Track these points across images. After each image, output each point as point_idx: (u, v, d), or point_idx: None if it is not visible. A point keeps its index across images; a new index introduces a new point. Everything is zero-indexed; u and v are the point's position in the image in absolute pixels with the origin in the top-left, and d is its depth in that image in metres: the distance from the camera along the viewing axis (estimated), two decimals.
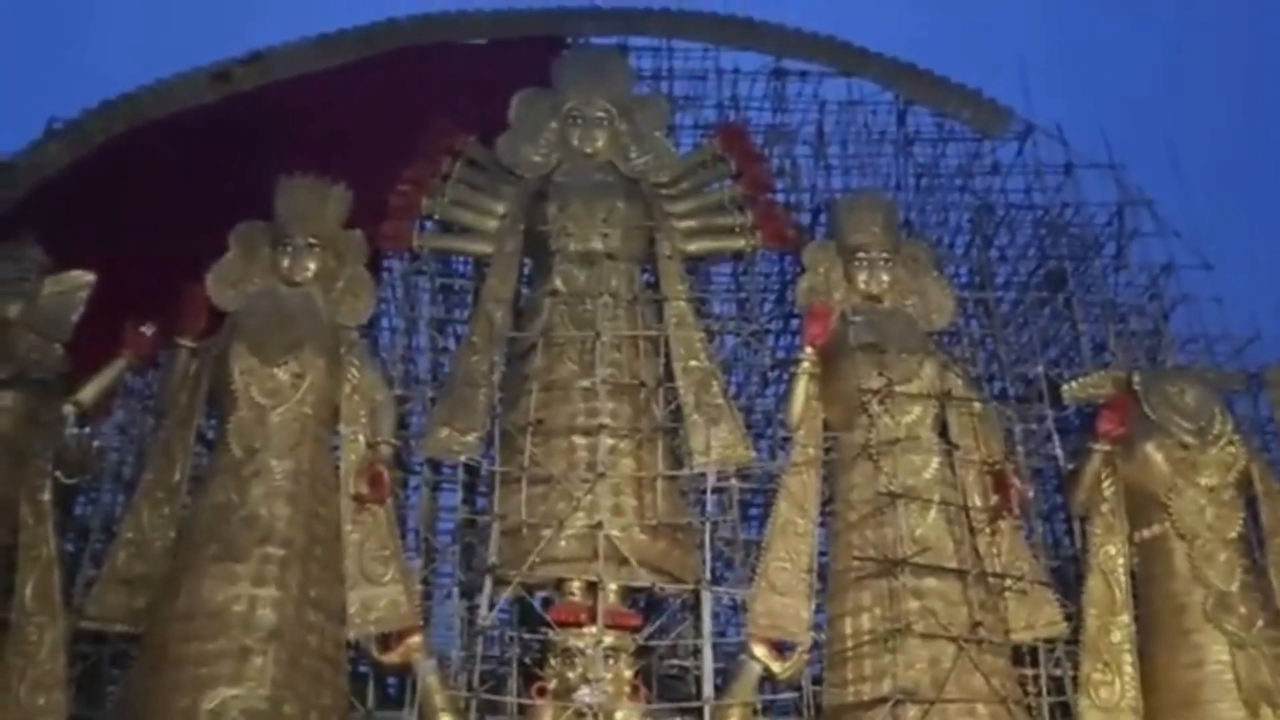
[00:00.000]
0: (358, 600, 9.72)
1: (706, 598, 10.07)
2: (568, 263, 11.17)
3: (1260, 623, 10.24)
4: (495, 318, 10.96)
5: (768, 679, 10.04)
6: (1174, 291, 12.96)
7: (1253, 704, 9.83)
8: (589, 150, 12.09)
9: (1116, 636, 10.41)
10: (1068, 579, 11.19)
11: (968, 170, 14.13)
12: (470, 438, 10.56)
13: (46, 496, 9.57)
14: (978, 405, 11.08)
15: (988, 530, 10.38)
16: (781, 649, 10.04)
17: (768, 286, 13.28)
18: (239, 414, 9.93)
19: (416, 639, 9.82)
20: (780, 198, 12.89)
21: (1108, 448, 10.89)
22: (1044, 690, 10.29)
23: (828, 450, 10.86)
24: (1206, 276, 12.91)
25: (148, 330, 10.37)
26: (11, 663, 9.14)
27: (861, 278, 11.38)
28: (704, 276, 12.58)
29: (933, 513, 10.22)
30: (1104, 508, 10.93)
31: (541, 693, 9.66)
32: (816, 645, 10.17)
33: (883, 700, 9.46)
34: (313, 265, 10.70)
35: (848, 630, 10.03)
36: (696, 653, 10.01)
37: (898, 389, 10.56)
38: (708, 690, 9.68)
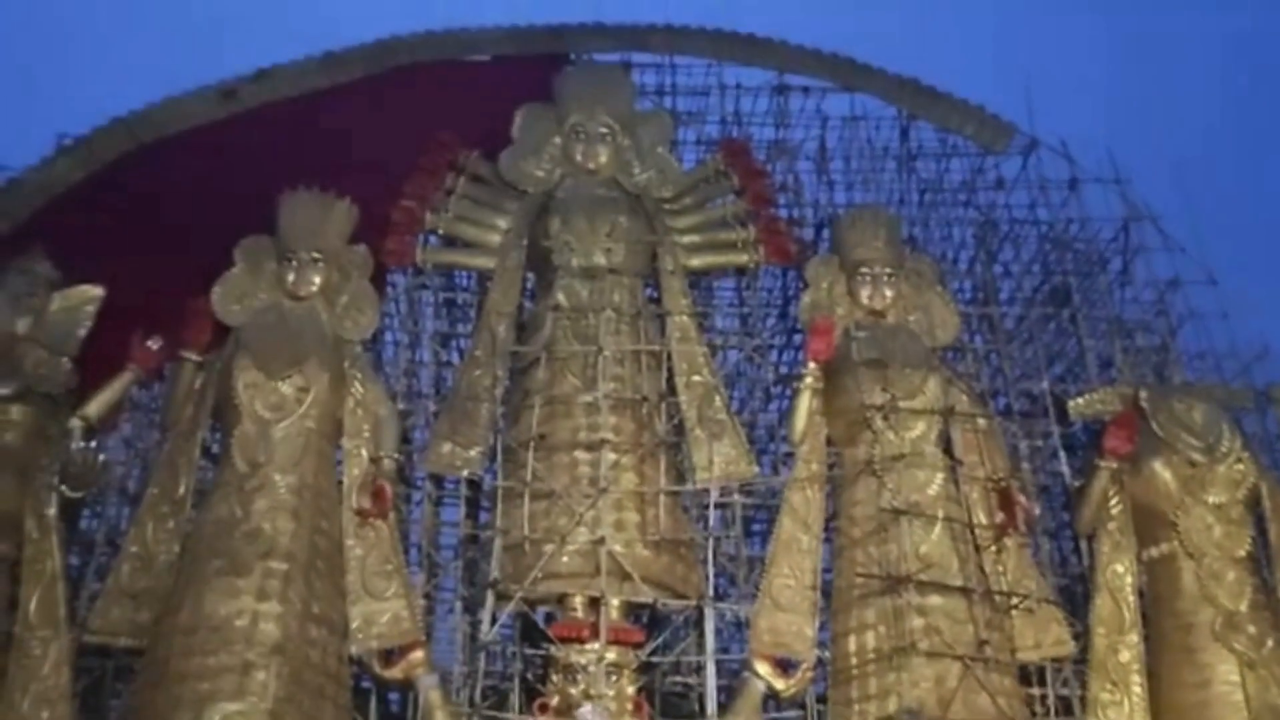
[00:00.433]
0: (360, 615, 9.72)
1: (709, 614, 10.03)
2: (570, 277, 11.20)
3: (1270, 642, 10.16)
4: (498, 332, 10.98)
5: (771, 697, 9.99)
6: (1180, 307, 12.91)
7: None
8: (592, 166, 12.12)
9: (1125, 656, 10.33)
10: (1075, 597, 11.11)
11: (971, 185, 14.10)
12: (473, 452, 10.57)
13: (52, 510, 9.58)
14: (982, 421, 11.03)
15: (993, 548, 10.31)
16: (785, 666, 9.99)
17: (770, 302, 13.28)
18: (243, 428, 9.95)
19: (419, 654, 9.80)
20: (783, 213, 12.89)
21: (1115, 465, 10.83)
22: (1051, 710, 10.21)
23: (831, 466, 10.84)
24: (1213, 292, 12.87)
25: (154, 344, 10.42)
26: (15, 676, 9.13)
27: (865, 293, 11.37)
28: (707, 291, 12.57)
29: (937, 529, 10.18)
30: (1111, 525, 10.86)
31: (544, 709, 9.62)
32: (820, 663, 10.12)
33: (888, 719, 9.39)
34: (317, 280, 10.75)
35: (852, 648, 9.98)
36: (699, 669, 9.97)
37: (901, 404, 10.53)
38: (711, 708, 9.63)
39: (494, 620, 9.88)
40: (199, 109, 12.65)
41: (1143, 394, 11.30)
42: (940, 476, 10.49)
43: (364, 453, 10.26)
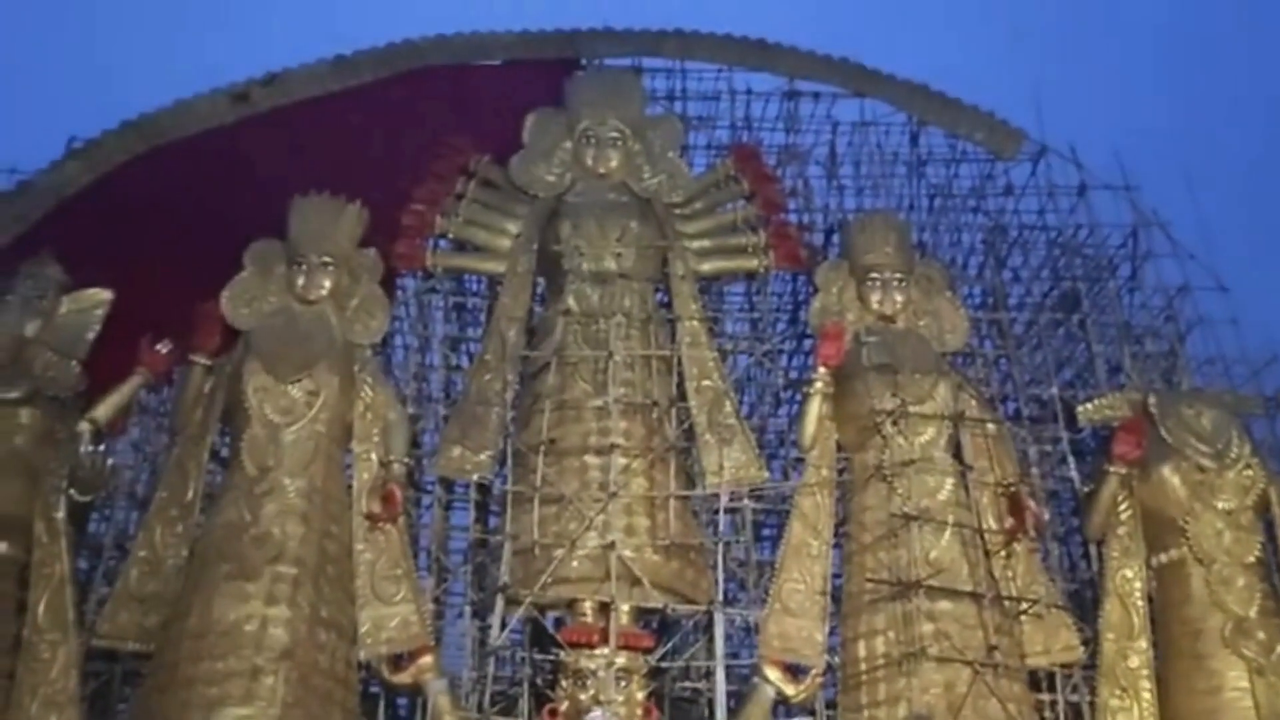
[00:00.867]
0: (369, 620, 9.72)
1: (719, 619, 10.02)
2: (581, 282, 11.19)
3: (1279, 648, 10.11)
4: (508, 337, 10.98)
5: (781, 702, 9.97)
6: (1190, 313, 12.87)
7: None
8: (602, 170, 12.13)
9: (1134, 662, 10.30)
10: (1084, 603, 11.08)
11: (981, 191, 14.11)
12: (483, 457, 10.57)
13: (61, 514, 9.57)
14: (992, 426, 11.01)
15: (1003, 553, 10.28)
16: (795, 672, 9.97)
17: (780, 307, 13.28)
18: (252, 432, 9.95)
19: (428, 659, 9.79)
20: (793, 218, 12.89)
21: (1124, 470, 10.79)
22: (1061, 716, 10.18)
23: (841, 471, 10.82)
24: (1222, 298, 12.83)
25: (163, 348, 10.44)
26: (23, 680, 9.13)
27: (874, 298, 11.36)
28: (717, 296, 12.57)
29: (947, 535, 10.15)
30: (1121, 531, 10.83)
31: (553, 714, 9.60)
32: (830, 668, 10.10)
33: None
34: (327, 284, 10.75)
35: (861, 653, 9.96)
36: (709, 675, 9.95)
37: (911, 410, 10.51)
38: (720, 713, 9.62)
39: (503, 625, 9.86)
40: (209, 112, 12.67)
41: (1152, 400, 11.27)
42: (950, 482, 10.47)
43: (374, 457, 10.26)
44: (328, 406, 10.13)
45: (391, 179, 11.72)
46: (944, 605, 9.78)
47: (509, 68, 13.58)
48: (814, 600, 10.13)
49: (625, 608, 9.87)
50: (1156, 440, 10.93)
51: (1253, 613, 10.21)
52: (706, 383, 10.92)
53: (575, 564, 9.92)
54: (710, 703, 9.84)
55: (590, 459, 10.35)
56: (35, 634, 9.25)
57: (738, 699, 10.03)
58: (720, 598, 10.10)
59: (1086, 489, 11.26)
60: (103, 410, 10.24)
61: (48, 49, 39.98)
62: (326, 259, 10.78)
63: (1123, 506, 10.88)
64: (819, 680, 10.02)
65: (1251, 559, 10.48)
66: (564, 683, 9.74)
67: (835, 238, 13.02)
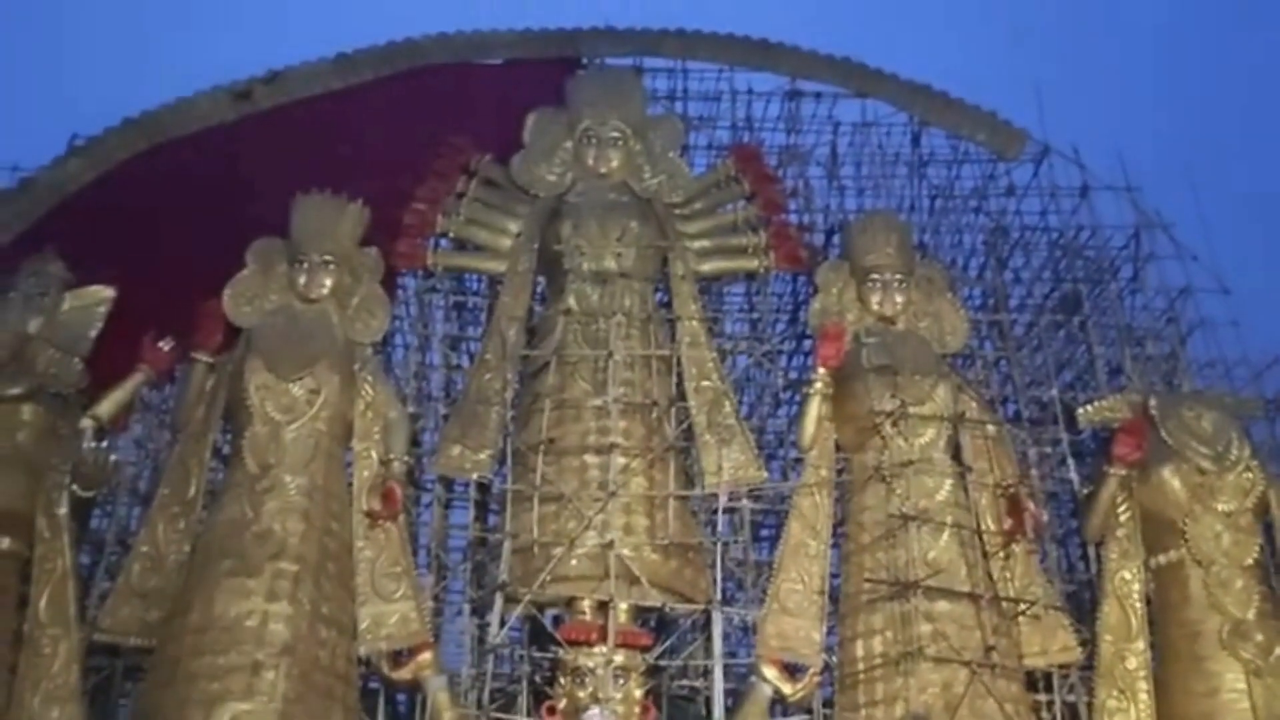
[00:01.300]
0: (369, 616, 9.74)
1: (717, 618, 10.04)
2: (581, 281, 11.20)
3: (1277, 650, 10.10)
4: (508, 336, 11.00)
5: (778, 701, 9.99)
6: (1191, 315, 12.87)
7: None
8: (603, 170, 12.14)
9: (1132, 663, 10.31)
10: (1083, 604, 11.10)
11: (982, 192, 14.11)
12: (482, 455, 10.59)
13: (63, 510, 9.61)
14: (991, 428, 11.01)
15: (1001, 554, 10.30)
16: (792, 671, 9.99)
17: (780, 307, 13.29)
18: (254, 429, 9.98)
19: (427, 656, 9.82)
20: (794, 219, 12.89)
21: (1123, 472, 10.79)
22: (1058, 717, 10.19)
23: (840, 472, 10.83)
24: (1224, 300, 12.82)
25: (165, 345, 10.46)
26: (25, 674, 9.18)
27: (875, 299, 11.37)
28: (717, 297, 12.59)
29: (945, 536, 10.16)
30: (1120, 533, 10.83)
31: (551, 711, 9.63)
32: (828, 667, 10.12)
33: None
34: (328, 282, 10.77)
35: (859, 653, 9.98)
36: (707, 673, 9.99)
37: (911, 411, 10.51)
38: (718, 711, 9.65)
39: (502, 623, 9.89)
40: (211, 110, 12.71)
41: (1152, 402, 11.27)
42: (949, 483, 10.48)
43: (374, 455, 10.28)
44: (329, 405, 10.15)
45: (392, 178, 11.74)
46: (942, 606, 9.79)
47: (510, 67, 13.61)
48: (812, 600, 10.15)
49: (624, 606, 9.88)
50: (1157, 442, 10.92)
51: (1251, 615, 10.22)
52: (706, 383, 10.94)
53: (574, 562, 9.95)
54: (708, 701, 9.87)
55: (589, 458, 10.37)
56: (37, 629, 9.30)
57: (735, 698, 10.07)
58: (718, 597, 10.11)
59: (1085, 490, 11.27)
60: (105, 407, 10.28)
61: (50, 46, 40.05)
62: (328, 257, 10.80)
63: (1122, 508, 10.88)
64: (816, 679, 10.03)
65: (1250, 561, 10.48)
66: (562, 680, 9.76)
67: (836, 238, 13.02)
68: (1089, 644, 10.44)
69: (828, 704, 10.05)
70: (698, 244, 11.95)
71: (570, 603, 10.13)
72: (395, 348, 12.62)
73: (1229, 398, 11.82)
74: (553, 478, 10.24)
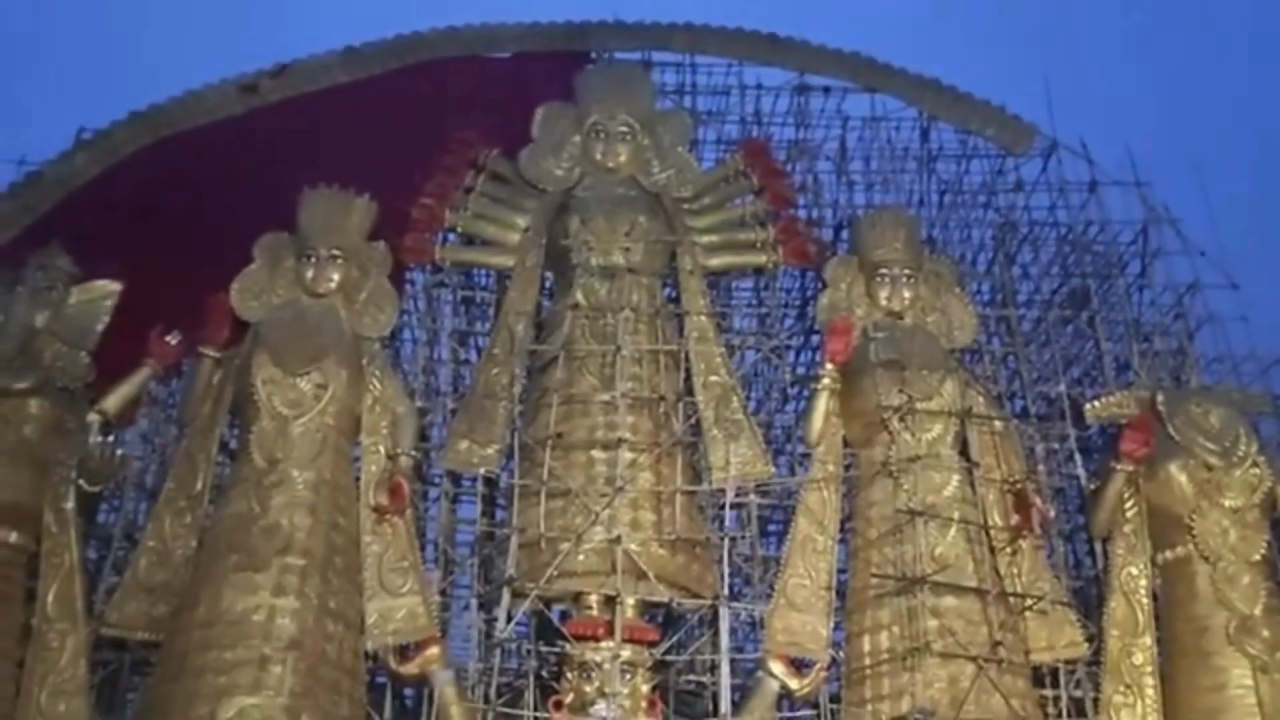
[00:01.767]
0: (376, 611, 9.75)
1: (724, 613, 10.01)
2: (589, 276, 11.18)
3: None
4: (516, 331, 10.99)
5: (785, 696, 9.98)
6: (1199, 311, 12.83)
7: None
8: (611, 164, 12.10)
9: (1138, 658, 10.30)
10: (1089, 600, 11.09)
11: (991, 187, 14.06)
12: (490, 450, 10.59)
13: (70, 504, 9.63)
14: (999, 423, 11.01)
15: (1008, 549, 10.30)
16: (799, 666, 10.00)
17: (789, 302, 13.25)
18: (261, 424, 9.98)
19: (434, 650, 9.82)
20: (802, 213, 12.90)
21: (1130, 468, 10.77)
22: (1065, 712, 10.20)
23: (847, 467, 10.83)
24: (1232, 296, 12.80)
25: (172, 339, 10.49)
26: (32, 669, 9.20)
27: (883, 294, 11.35)
28: (725, 292, 12.55)
29: (952, 531, 10.16)
30: (1126, 528, 10.82)
31: (558, 706, 9.65)
32: (835, 663, 10.12)
33: (901, 719, 9.40)
34: (336, 277, 10.76)
35: (866, 648, 9.98)
36: (714, 668, 9.97)
37: (919, 406, 10.50)
38: (725, 706, 9.62)
39: (509, 617, 9.89)
40: (218, 104, 12.70)
41: (1159, 397, 11.24)
42: (956, 478, 10.47)
43: (381, 450, 10.27)
44: (336, 399, 10.15)
45: (400, 172, 11.70)
46: (949, 601, 9.80)
47: (518, 61, 13.57)
48: (819, 595, 10.15)
49: (630, 601, 9.89)
50: (1164, 438, 10.91)
51: (1258, 610, 10.21)
52: (714, 378, 10.93)
53: (581, 557, 9.95)
54: (715, 696, 9.85)
55: (597, 453, 10.36)
56: (44, 623, 9.32)
57: (742, 692, 10.07)
58: (725, 592, 10.08)
59: (1093, 486, 11.25)
60: (112, 401, 10.30)
61: (56, 40, 40.06)
62: (336, 252, 10.79)
63: (1129, 504, 10.87)
64: (823, 674, 10.04)
65: (1257, 557, 10.47)
66: (569, 675, 9.78)
67: (845, 233, 12.99)
68: (1096, 639, 10.43)
69: (834, 699, 10.04)
70: (706, 239, 11.93)
71: (577, 598, 10.15)
72: (403, 342, 12.63)
73: (1236, 393, 11.80)
74: (560, 473, 10.24)
